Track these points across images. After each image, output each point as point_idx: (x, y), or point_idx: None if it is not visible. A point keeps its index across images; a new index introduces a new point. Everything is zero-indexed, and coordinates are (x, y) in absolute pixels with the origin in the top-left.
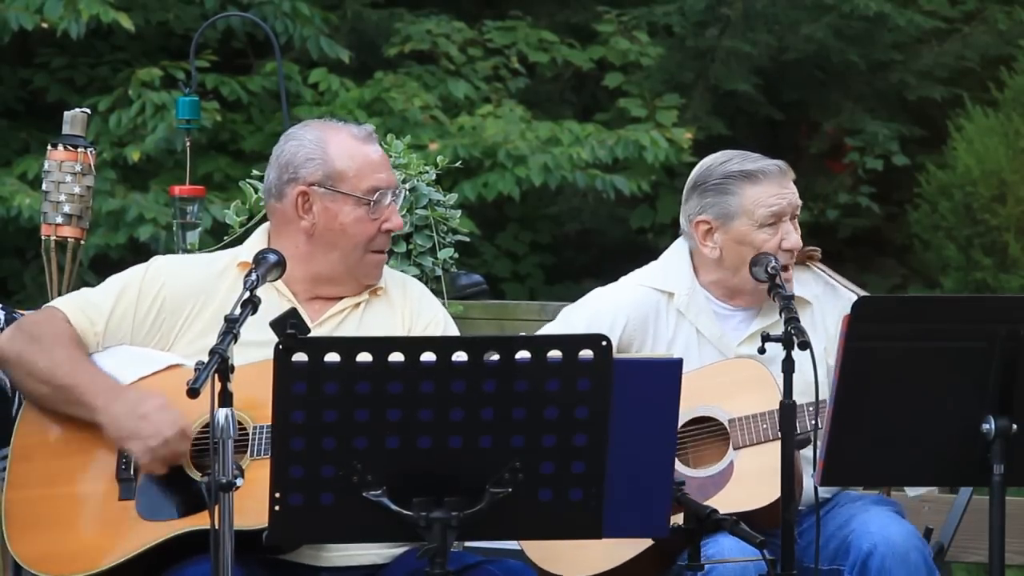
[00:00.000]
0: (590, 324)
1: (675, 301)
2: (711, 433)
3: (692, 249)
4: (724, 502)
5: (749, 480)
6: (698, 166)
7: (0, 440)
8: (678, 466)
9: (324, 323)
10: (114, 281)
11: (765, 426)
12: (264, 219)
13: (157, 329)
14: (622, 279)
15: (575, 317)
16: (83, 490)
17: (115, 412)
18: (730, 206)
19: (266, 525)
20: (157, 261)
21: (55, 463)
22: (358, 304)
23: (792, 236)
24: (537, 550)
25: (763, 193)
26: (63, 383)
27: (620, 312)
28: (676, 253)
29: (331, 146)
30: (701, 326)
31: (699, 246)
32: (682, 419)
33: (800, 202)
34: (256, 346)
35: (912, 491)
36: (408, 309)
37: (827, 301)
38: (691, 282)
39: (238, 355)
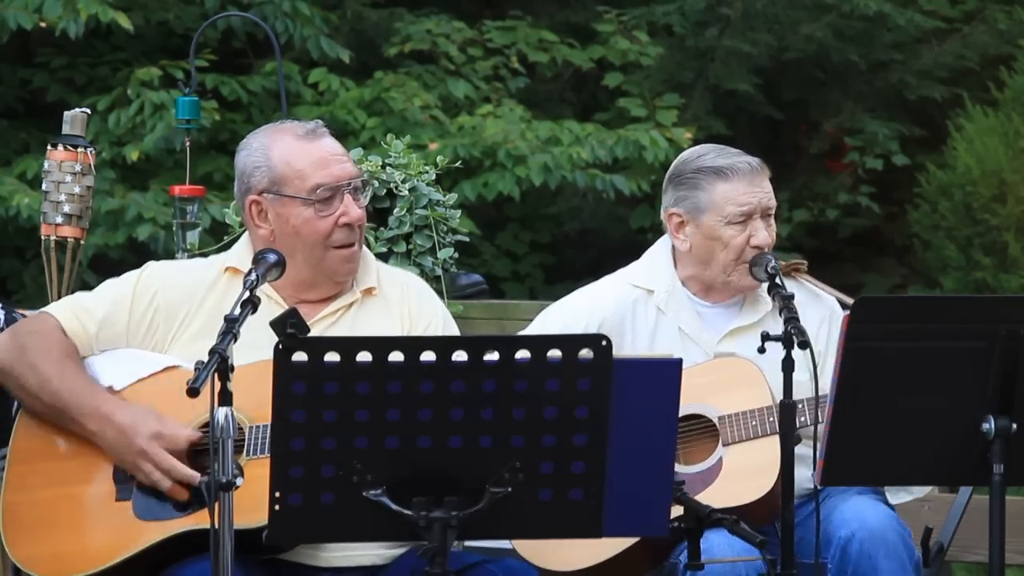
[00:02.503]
0: (565, 324)
1: (655, 298)
2: (701, 430)
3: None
4: (712, 498)
5: (737, 476)
6: (677, 159)
7: (0, 439)
8: None
9: (314, 325)
10: (108, 287)
11: (754, 423)
12: None
13: (152, 335)
14: (605, 277)
15: (551, 317)
16: (81, 492)
17: (111, 443)
18: (700, 201)
19: (261, 524)
20: (150, 267)
21: (52, 465)
22: (351, 304)
23: (761, 233)
24: (527, 546)
25: (732, 191)
26: (52, 403)
27: (596, 312)
28: (659, 250)
29: (274, 150)
30: (682, 323)
31: (672, 238)
32: None
33: (774, 202)
34: (253, 348)
35: (894, 498)
36: (407, 309)
37: (809, 305)
38: (671, 279)
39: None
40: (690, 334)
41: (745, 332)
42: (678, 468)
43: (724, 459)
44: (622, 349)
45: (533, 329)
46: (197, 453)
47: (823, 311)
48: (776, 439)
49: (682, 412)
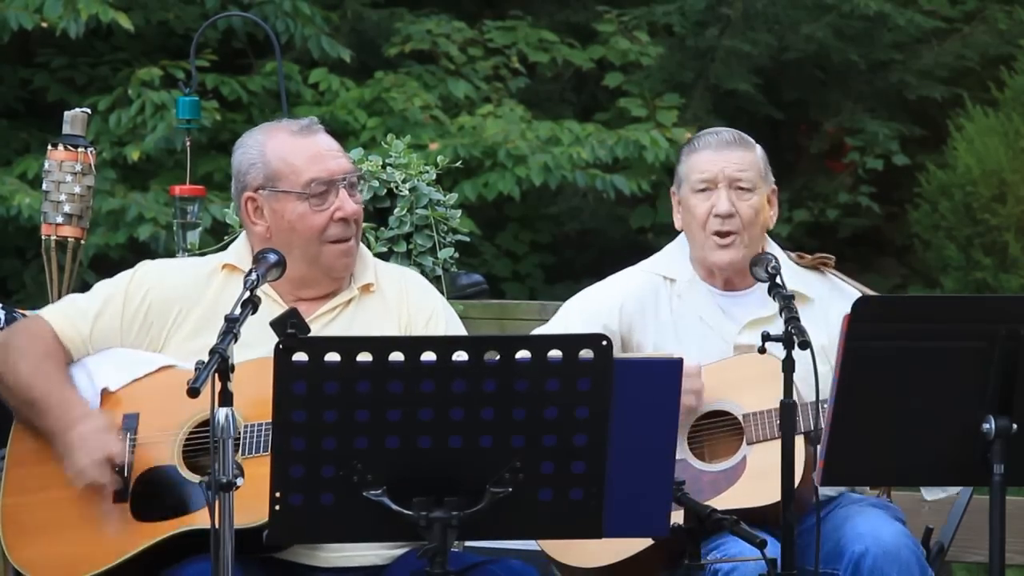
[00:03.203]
0: (590, 312)
1: (676, 287)
2: (726, 427)
3: None
4: (736, 497)
5: (760, 476)
6: None
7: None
8: (692, 460)
9: (313, 322)
10: (101, 288)
11: (779, 422)
12: None
13: (146, 333)
14: (629, 267)
15: (575, 305)
16: (79, 493)
17: (62, 434)
18: (680, 175)
19: (257, 522)
20: (143, 267)
21: (49, 468)
22: (349, 301)
23: (722, 203)
24: (549, 542)
25: (698, 159)
26: (26, 399)
27: (617, 298)
28: (681, 242)
29: (268, 147)
30: (701, 312)
31: (675, 217)
32: (697, 413)
33: (743, 175)
34: (249, 347)
35: (929, 494)
36: (406, 305)
37: (833, 299)
38: (692, 268)
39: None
40: (710, 323)
41: (765, 323)
42: (702, 466)
43: (748, 458)
44: (647, 334)
45: (557, 319)
46: (197, 453)
47: (847, 305)
48: (800, 439)
49: (707, 408)
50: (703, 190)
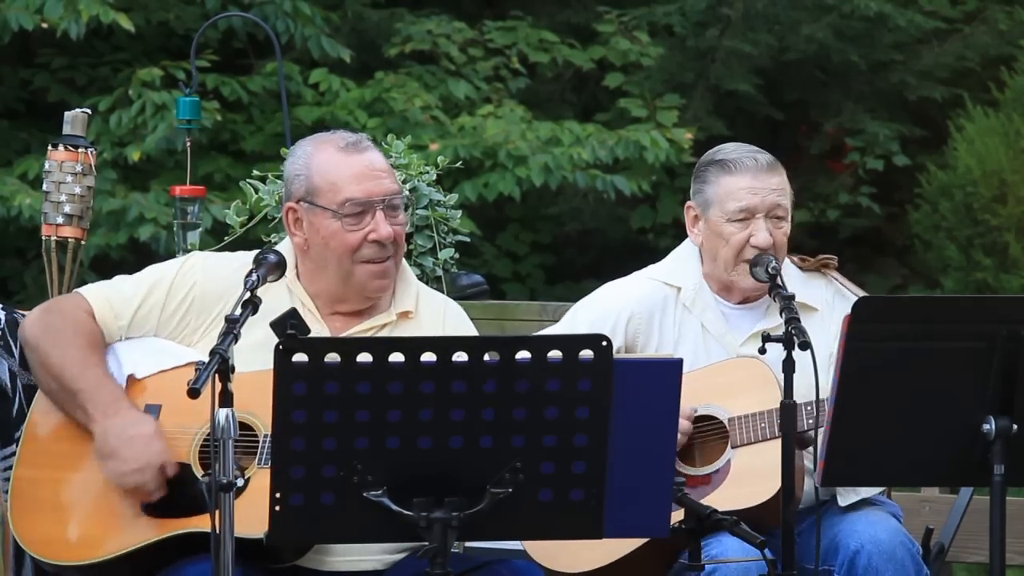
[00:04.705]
0: (597, 319)
1: (682, 296)
2: (712, 432)
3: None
4: (720, 500)
5: (745, 478)
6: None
7: (0, 440)
8: (678, 464)
9: None
10: (149, 273)
11: (763, 425)
12: (264, 219)
13: (182, 329)
14: (633, 273)
15: (583, 312)
16: (89, 478)
17: (106, 426)
18: (707, 195)
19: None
20: (193, 258)
21: (65, 446)
22: (384, 325)
23: (761, 234)
24: (536, 546)
25: (734, 185)
26: (69, 386)
27: (625, 307)
28: (686, 249)
29: (314, 160)
30: (706, 322)
31: (688, 232)
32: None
33: (784, 201)
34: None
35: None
36: (439, 334)
37: (836, 305)
38: (698, 278)
39: (255, 359)
40: (714, 334)
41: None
42: (686, 470)
43: (733, 461)
44: (649, 343)
45: (563, 325)
46: (207, 454)
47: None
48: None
49: (696, 413)
50: (741, 219)
